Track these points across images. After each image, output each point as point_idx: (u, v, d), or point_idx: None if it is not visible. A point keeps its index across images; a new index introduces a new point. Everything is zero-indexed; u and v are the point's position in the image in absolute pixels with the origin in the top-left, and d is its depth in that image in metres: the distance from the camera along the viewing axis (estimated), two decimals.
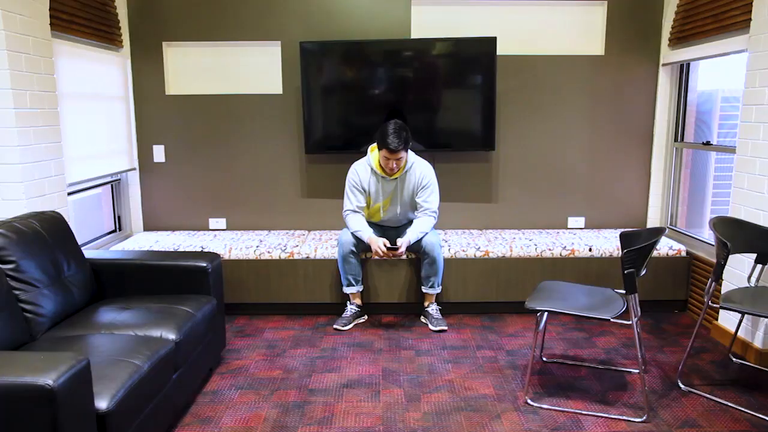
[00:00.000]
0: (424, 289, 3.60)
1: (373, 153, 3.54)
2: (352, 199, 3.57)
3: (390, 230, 3.73)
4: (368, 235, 3.46)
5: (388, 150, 3.34)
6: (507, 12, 4.08)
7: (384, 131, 3.36)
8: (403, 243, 3.37)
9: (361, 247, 3.55)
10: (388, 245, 3.39)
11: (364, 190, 3.56)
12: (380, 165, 3.48)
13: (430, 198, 3.53)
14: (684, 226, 4.30)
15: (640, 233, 2.72)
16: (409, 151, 3.52)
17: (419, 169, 3.54)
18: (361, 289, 3.63)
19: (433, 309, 3.61)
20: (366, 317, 3.72)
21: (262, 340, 3.41)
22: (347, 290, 3.61)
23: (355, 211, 3.57)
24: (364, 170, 3.55)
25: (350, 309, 3.63)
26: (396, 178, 3.52)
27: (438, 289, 3.59)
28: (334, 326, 3.57)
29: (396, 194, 3.56)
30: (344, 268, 3.56)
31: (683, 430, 2.44)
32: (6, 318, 2.21)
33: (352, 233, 3.52)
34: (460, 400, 2.70)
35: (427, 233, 3.50)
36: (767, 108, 2.98)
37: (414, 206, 3.62)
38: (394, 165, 3.41)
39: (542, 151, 4.23)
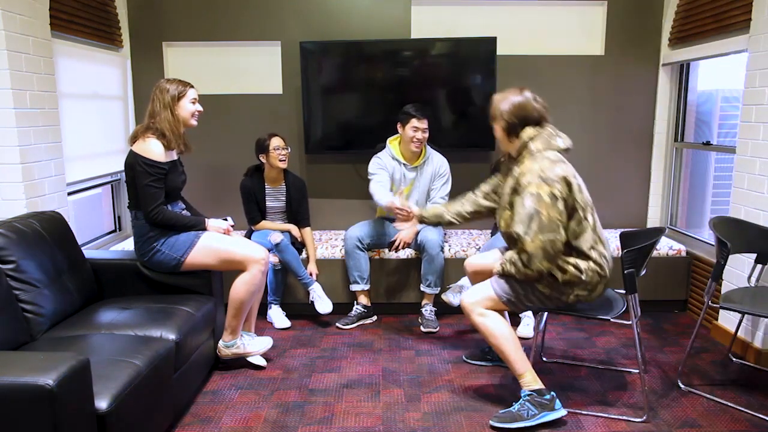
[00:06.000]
0: (422, 288, 3.60)
1: (393, 144, 3.67)
2: (377, 177, 3.56)
3: None
4: (387, 199, 3.30)
5: (417, 118, 3.51)
6: (507, 12, 4.08)
7: (406, 108, 3.56)
8: (412, 206, 3.14)
9: (367, 242, 3.58)
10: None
11: (388, 172, 3.63)
12: (401, 152, 3.64)
13: (443, 187, 3.69)
14: (684, 226, 4.30)
15: (640, 233, 2.71)
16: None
17: (437, 159, 3.72)
18: (366, 288, 3.63)
19: (427, 310, 3.61)
20: (375, 318, 3.71)
21: None
22: (352, 288, 3.62)
23: (380, 182, 3.54)
24: (386, 158, 3.67)
25: (355, 309, 3.64)
26: (416, 167, 3.65)
27: (435, 290, 3.58)
28: (336, 324, 3.59)
29: (416, 181, 3.68)
30: (350, 264, 3.58)
31: (683, 430, 2.44)
32: (6, 318, 2.20)
33: (372, 192, 3.47)
34: (460, 400, 2.70)
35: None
36: (767, 108, 2.98)
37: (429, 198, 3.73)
38: (422, 136, 3.55)
39: None
